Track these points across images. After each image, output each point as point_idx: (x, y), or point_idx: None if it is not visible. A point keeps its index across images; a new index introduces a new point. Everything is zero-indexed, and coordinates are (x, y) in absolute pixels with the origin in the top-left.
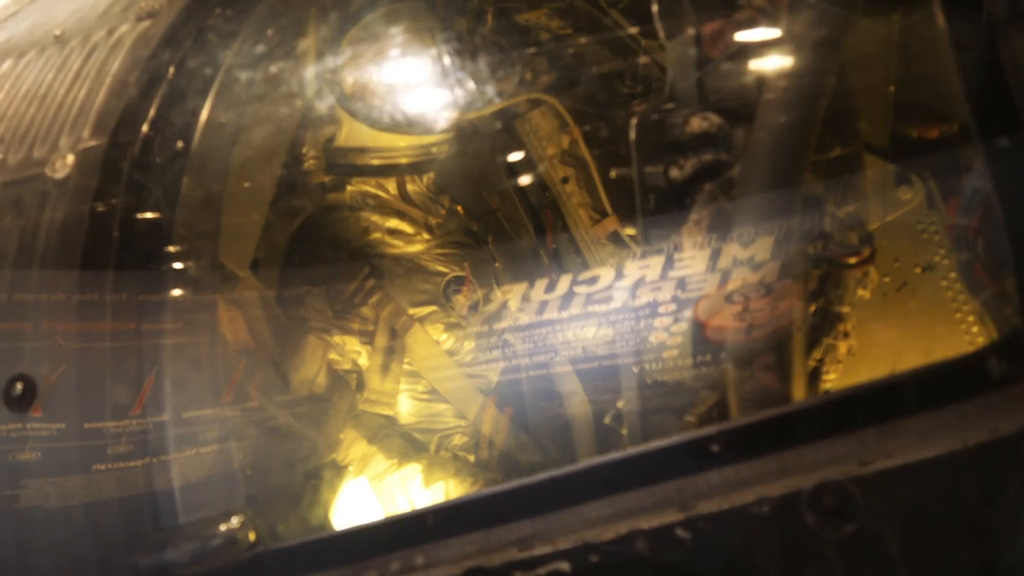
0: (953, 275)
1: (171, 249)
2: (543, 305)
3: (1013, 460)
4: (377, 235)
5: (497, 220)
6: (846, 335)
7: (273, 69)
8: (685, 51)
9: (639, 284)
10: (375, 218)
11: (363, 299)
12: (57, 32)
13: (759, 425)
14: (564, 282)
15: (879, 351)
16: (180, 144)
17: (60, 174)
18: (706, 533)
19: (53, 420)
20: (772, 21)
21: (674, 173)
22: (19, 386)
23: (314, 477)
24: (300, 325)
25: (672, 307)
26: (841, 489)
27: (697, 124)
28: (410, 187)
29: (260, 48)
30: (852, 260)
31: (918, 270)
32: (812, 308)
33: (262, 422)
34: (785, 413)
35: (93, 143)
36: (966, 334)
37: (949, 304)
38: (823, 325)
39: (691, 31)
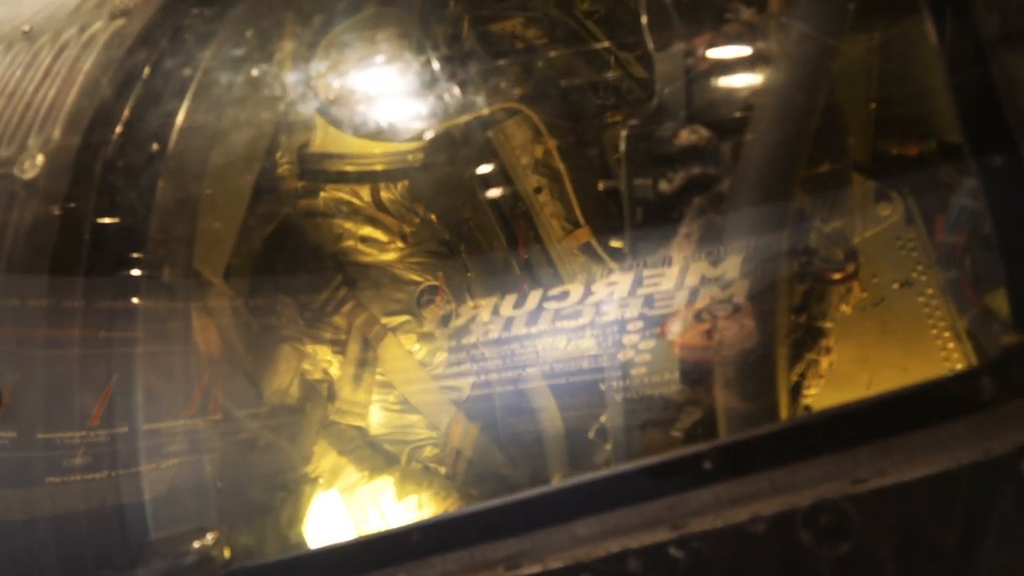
0: (930, 291)
1: (144, 254)
2: (512, 321)
3: (1006, 480)
4: (350, 242)
5: (469, 229)
6: (828, 350)
7: (250, 72)
8: (674, 64)
9: (608, 301)
10: (348, 225)
11: (335, 308)
12: (26, 28)
13: (751, 442)
14: (534, 298)
15: (856, 366)
16: (155, 146)
17: (29, 174)
18: (700, 552)
19: (6, 429)
20: (762, 35)
21: (663, 186)
22: None
23: (284, 490)
24: (273, 334)
25: (640, 324)
26: (836, 507)
27: (686, 137)
28: (384, 194)
29: (238, 50)
30: (837, 276)
31: (896, 286)
32: (795, 322)
33: (233, 434)
34: (777, 430)
35: (64, 143)
36: (942, 350)
37: (926, 320)
38: (806, 340)
39: (680, 44)
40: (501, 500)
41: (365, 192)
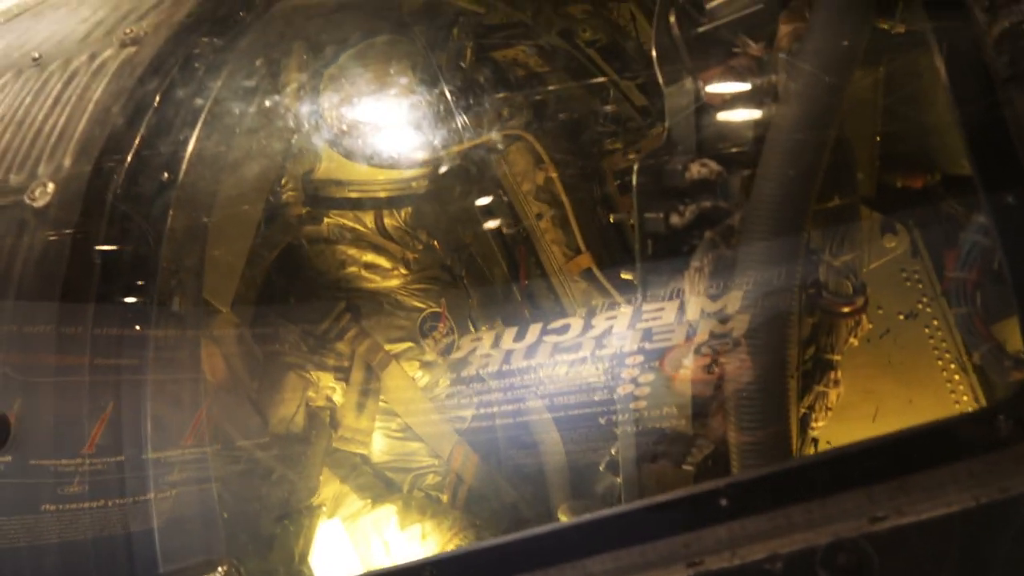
0: (936, 323)
1: (155, 284)
2: (512, 353)
3: None
4: (354, 269)
5: (471, 256)
6: (836, 383)
7: (260, 101)
8: (683, 98)
9: (607, 335)
10: (352, 252)
11: (339, 334)
12: (35, 55)
13: (768, 478)
14: (534, 331)
15: (861, 397)
16: (166, 175)
17: (40, 202)
18: None
19: (12, 455)
20: (771, 70)
21: (674, 220)
22: None
23: (290, 519)
24: (278, 361)
25: (639, 358)
26: (855, 547)
27: (696, 171)
28: (388, 221)
29: (247, 79)
30: (846, 309)
31: (901, 317)
32: (804, 355)
33: (239, 463)
34: (793, 466)
35: (75, 172)
36: (948, 382)
37: (931, 352)
38: (814, 373)
39: (689, 79)
40: (515, 536)
41: (369, 219)
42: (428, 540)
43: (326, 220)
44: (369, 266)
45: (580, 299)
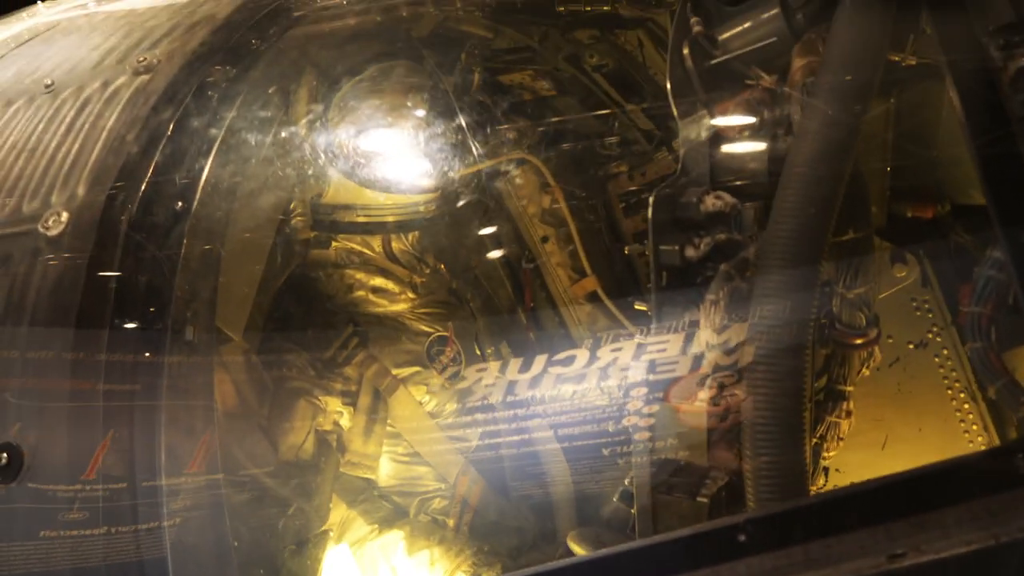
0: (945, 352)
1: (169, 313)
2: (517, 384)
3: None
4: (361, 293)
5: (476, 279)
6: (848, 413)
7: (273, 130)
8: (697, 130)
9: (612, 367)
10: (360, 276)
11: (346, 359)
12: (48, 81)
13: (786, 514)
14: (539, 362)
15: (871, 425)
16: (180, 204)
17: (54, 231)
18: None
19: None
20: (784, 103)
21: (689, 252)
22: (3, 456)
23: (300, 545)
24: (289, 389)
25: (644, 390)
26: None
27: (711, 203)
28: (395, 245)
29: (260, 107)
30: (859, 341)
31: (911, 346)
32: (818, 386)
33: (250, 491)
34: (812, 502)
35: (89, 200)
36: (957, 411)
37: (941, 381)
38: (827, 403)
39: (703, 110)
40: (528, 570)
41: (377, 243)
42: (437, 566)
43: (334, 244)
44: (377, 290)
45: (585, 322)
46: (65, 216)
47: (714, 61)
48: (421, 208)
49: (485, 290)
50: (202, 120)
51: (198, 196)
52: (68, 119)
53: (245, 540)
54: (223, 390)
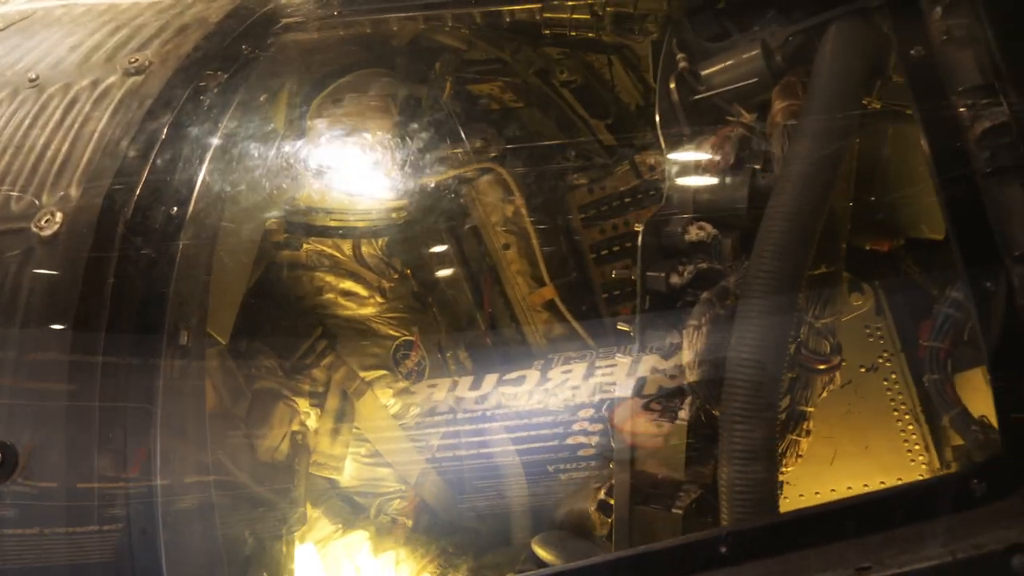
0: (894, 376)
1: (164, 316)
2: (467, 401)
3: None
4: (331, 296)
5: (438, 285)
6: (808, 432)
7: (263, 136)
8: (684, 162)
9: (560, 389)
10: (329, 278)
11: (315, 360)
12: (32, 75)
13: (765, 528)
14: (489, 381)
15: (821, 442)
16: (176, 209)
17: (47, 231)
18: None
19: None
20: (764, 140)
21: (674, 279)
22: None
23: (277, 542)
24: (267, 391)
25: (590, 411)
26: None
27: (695, 233)
28: (365, 249)
29: (252, 114)
30: (823, 366)
31: (862, 370)
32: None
33: (230, 492)
34: (789, 518)
35: (85, 203)
36: (902, 431)
37: (888, 403)
38: (788, 422)
39: (689, 143)
40: None
41: (347, 246)
42: (402, 566)
43: (304, 246)
44: (346, 293)
45: (542, 330)
46: (60, 216)
47: (697, 96)
48: (393, 215)
49: (447, 296)
50: (197, 125)
51: (193, 201)
52: (56, 116)
53: (227, 540)
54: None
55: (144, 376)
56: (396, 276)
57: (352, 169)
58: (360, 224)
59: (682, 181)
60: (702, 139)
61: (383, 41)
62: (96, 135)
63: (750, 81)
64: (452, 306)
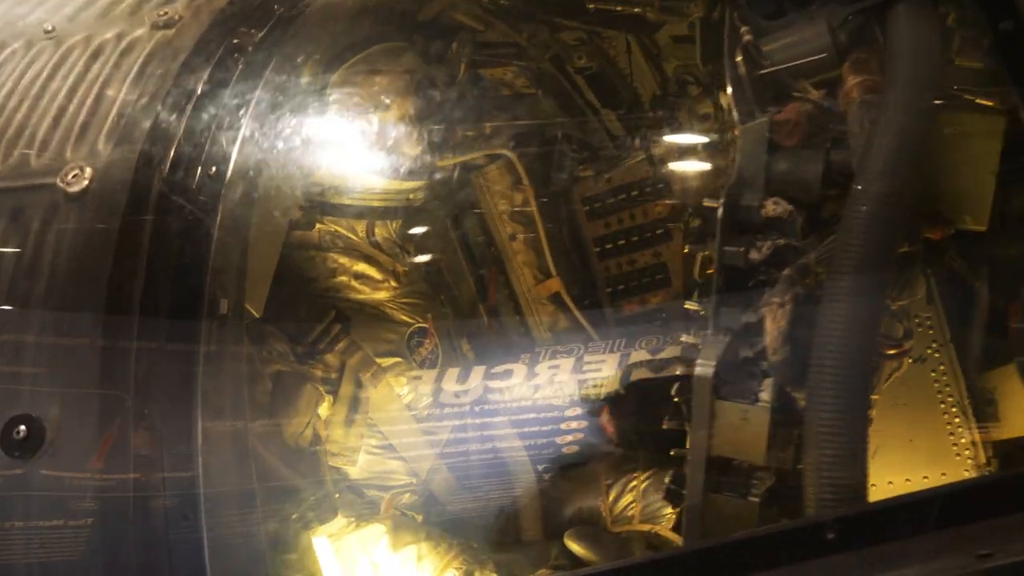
0: (942, 367)
1: (203, 282)
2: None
3: None
4: (344, 278)
5: (439, 272)
6: (870, 421)
7: (296, 101)
8: (756, 137)
9: (548, 382)
10: (343, 260)
11: (329, 345)
12: (48, 27)
13: (876, 512)
14: (477, 374)
15: None
16: (214, 169)
17: (75, 187)
18: None
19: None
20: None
21: (753, 255)
22: (22, 429)
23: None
24: (295, 374)
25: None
26: None
27: (772, 209)
28: (379, 231)
29: (287, 75)
30: (894, 351)
31: (910, 360)
32: None
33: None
34: (901, 502)
35: (118, 158)
36: (947, 424)
37: (935, 395)
38: None
39: (763, 118)
40: (617, 563)
41: (361, 228)
42: (424, 562)
43: (318, 226)
44: (359, 276)
45: (547, 322)
46: (89, 172)
47: (763, 72)
48: (411, 196)
49: (448, 284)
50: (234, 83)
51: (232, 163)
52: (79, 69)
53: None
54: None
55: (183, 349)
56: (409, 260)
57: (371, 146)
58: (376, 204)
59: (754, 156)
60: (772, 113)
61: (403, 14)
62: (125, 88)
63: (818, 57)
64: (457, 295)
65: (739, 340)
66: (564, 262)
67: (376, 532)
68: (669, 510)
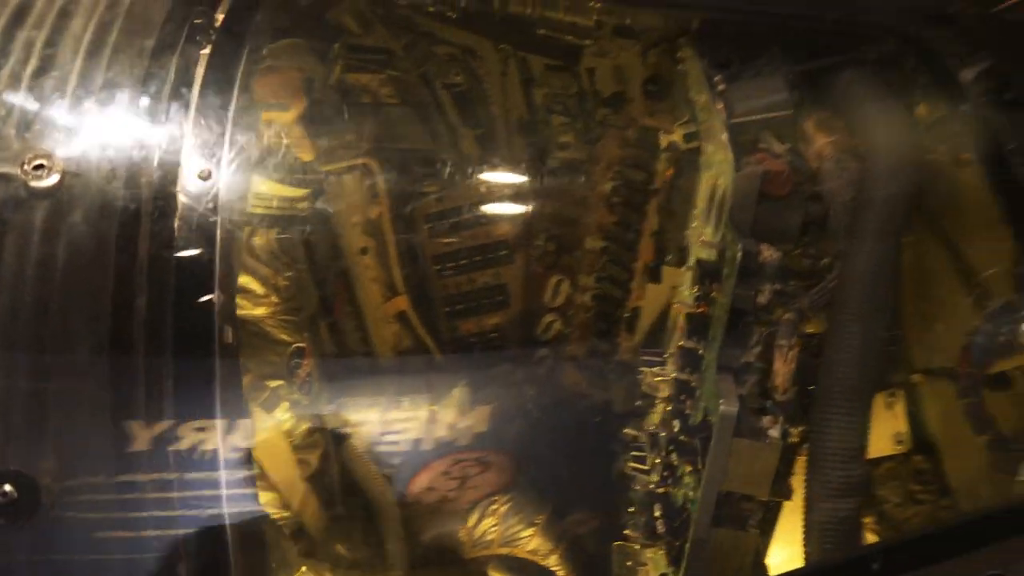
0: None
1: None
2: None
3: None
4: None
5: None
6: None
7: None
8: (750, 186)
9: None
10: None
11: None
12: None
13: (916, 542)
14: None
15: None
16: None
17: (43, 182)
18: None
19: None
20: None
21: (760, 299)
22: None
23: None
24: None
25: None
26: None
27: (768, 255)
28: (257, 240)
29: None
30: None
31: None
32: None
33: None
34: (941, 530)
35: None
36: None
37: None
38: None
39: (758, 167)
40: None
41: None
42: None
43: None
44: (240, 290)
45: (392, 341)
46: (58, 163)
47: (734, 120)
48: (299, 205)
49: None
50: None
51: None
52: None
53: None
54: None
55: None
56: (290, 274)
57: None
58: (257, 211)
59: (744, 202)
60: (772, 165)
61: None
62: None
63: (781, 113)
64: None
65: (744, 380)
66: (410, 280)
67: None
68: (527, 533)
